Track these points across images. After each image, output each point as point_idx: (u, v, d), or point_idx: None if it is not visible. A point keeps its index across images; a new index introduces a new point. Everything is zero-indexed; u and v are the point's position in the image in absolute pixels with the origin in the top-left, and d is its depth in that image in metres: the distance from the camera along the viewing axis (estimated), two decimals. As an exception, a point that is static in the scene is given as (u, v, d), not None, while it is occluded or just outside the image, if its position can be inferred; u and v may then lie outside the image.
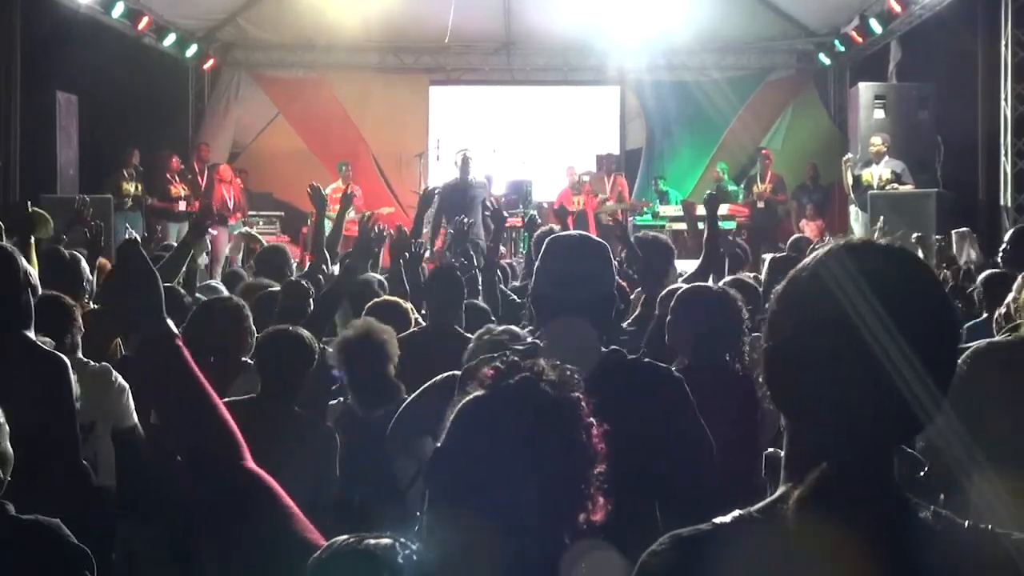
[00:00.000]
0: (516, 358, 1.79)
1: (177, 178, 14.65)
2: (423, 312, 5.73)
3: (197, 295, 6.23)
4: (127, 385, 4.40)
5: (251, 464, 1.98)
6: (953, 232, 7.41)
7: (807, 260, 1.49)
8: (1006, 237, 6.59)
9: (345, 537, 1.77)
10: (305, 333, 4.22)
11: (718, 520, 1.45)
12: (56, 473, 4.06)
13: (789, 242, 8.73)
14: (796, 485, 1.42)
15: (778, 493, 1.45)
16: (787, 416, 1.49)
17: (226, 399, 4.04)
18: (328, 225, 7.82)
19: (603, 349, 2.97)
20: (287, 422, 4.01)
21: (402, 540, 1.73)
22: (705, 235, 6.59)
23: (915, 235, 7.76)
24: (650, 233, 6.96)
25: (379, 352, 4.25)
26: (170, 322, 2.04)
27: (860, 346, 1.37)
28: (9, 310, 3.92)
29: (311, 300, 5.39)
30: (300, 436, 4.00)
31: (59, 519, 3.84)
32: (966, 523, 1.41)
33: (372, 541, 1.73)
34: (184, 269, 6.16)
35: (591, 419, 1.76)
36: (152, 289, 2.03)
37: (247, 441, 1.92)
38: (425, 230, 14.11)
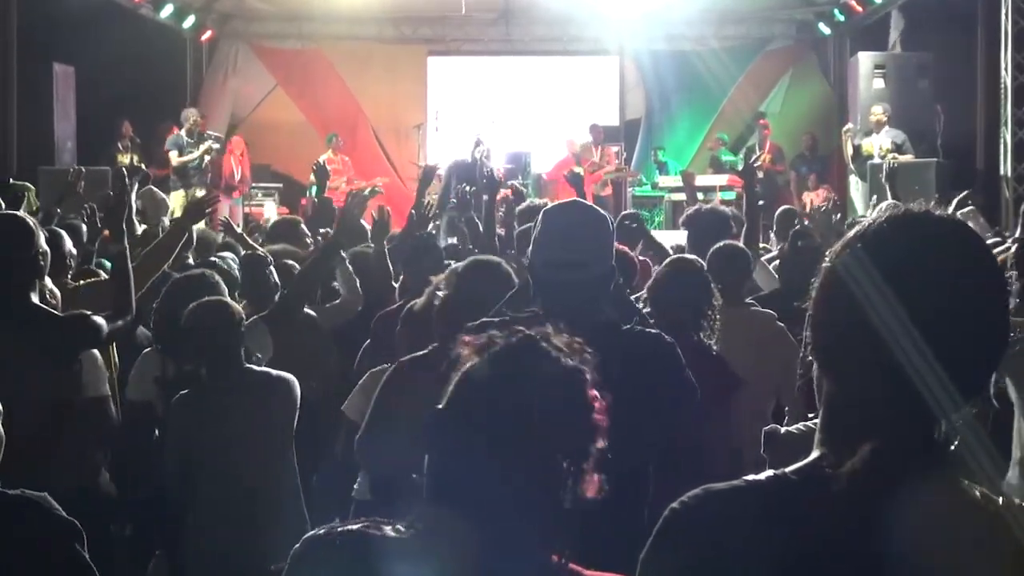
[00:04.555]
0: (519, 325, 1.76)
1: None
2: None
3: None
4: (99, 356, 4.45)
5: None
6: (958, 214, 7.36)
7: (847, 239, 1.48)
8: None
9: (321, 529, 1.76)
10: (226, 302, 4.23)
11: (751, 477, 1.45)
12: (69, 440, 4.12)
13: (776, 215, 8.66)
14: (831, 451, 1.43)
15: (813, 457, 1.46)
16: (827, 390, 1.49)
17: (183, 392, 4.10)
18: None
19: (601, 319, 2.99)
20: (239, 391, 4.05)
21: (380, 527, 1.71)
22: (745, 207, 6.68)
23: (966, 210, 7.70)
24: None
25: None
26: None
27: (889, 344, 1.38)
28: (25, 274, 4.04)
29: (271, 271, 5.38)
30: (257, 396, 4.05)
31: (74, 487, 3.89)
32: (1001, 499, 1.42)
33: (350, 528, 1.72)
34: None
35: (596, 391, 1.72)
36: None
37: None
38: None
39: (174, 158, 14.00)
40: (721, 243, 5.30)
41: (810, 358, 1.53)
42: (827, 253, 1.51)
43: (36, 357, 4.00)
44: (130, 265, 4.51)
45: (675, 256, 4.69)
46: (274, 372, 4.16)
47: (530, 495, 1.67)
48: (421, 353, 3.61)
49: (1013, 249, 4.71)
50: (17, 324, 4.04)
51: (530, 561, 1.69)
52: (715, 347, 4.23)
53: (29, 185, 5.75)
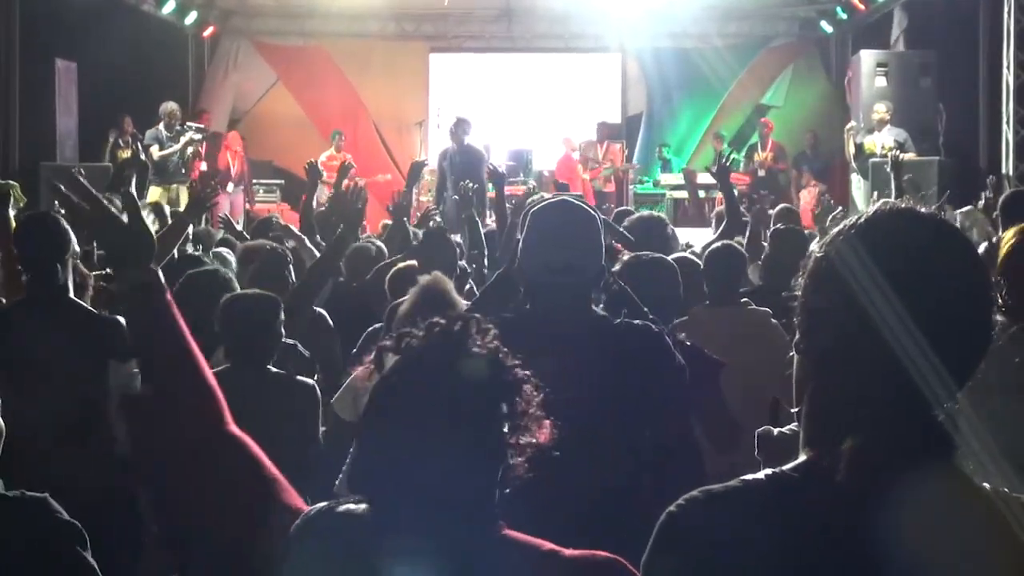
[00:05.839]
0: (436, 321, 1.78)
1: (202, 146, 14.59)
2: None
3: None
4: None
5: (233, 429, 1.95)
6: (958, 212, 7.32)
7: (834, 234, 1.49)
8: None
9: (323, 504, 1.78)
10: (265, 295, 4.16)
11: (748, 477, 1.45)
12: (96, 439, 4.12)
13: (775, 213, 8.66)
14: (826, 449, 1.43)
15: (808, 456, 1.46)
16: (815, 387, 1.50)
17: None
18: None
19: (591, 314, 2.99)
20: (263, 386, 3.96)
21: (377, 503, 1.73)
22: (724, 205, 6.69)
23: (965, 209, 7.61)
24: (642, 215, 6.90)
25: None
26: (160, 274, 2.02)
27: (883, 334, 1.39)
28: (58, 275, 4.07)
29: (290, 266, 5.37)
30: (278, 398, 3.96)
31: (99, 486, 3.90)
32: (987, 486, 1.44)
33: (350, 507, 1.73)
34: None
35: (514, 370, 1.75)
36: (137, 237, 2.01)
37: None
38: (425, 198, 14.13)
39: (154, 152, 13.67)
40: (718, 243, 5.33)
41: (792, 354, 1.53)
42: (815, 245, 1.52)
43: (70, 356, 4.01)
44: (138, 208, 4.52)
45: (640, 253, 4.68)
46: (299, 378, 4.11)
47: (466, 465, 1.69)
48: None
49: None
50: (54, 321, 4.06)
51: (479, 531, 1.71)
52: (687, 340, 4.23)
53: (13, 183, 5.73)
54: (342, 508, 1.74)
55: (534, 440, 1.73)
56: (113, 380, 4.27)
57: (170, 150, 13.86)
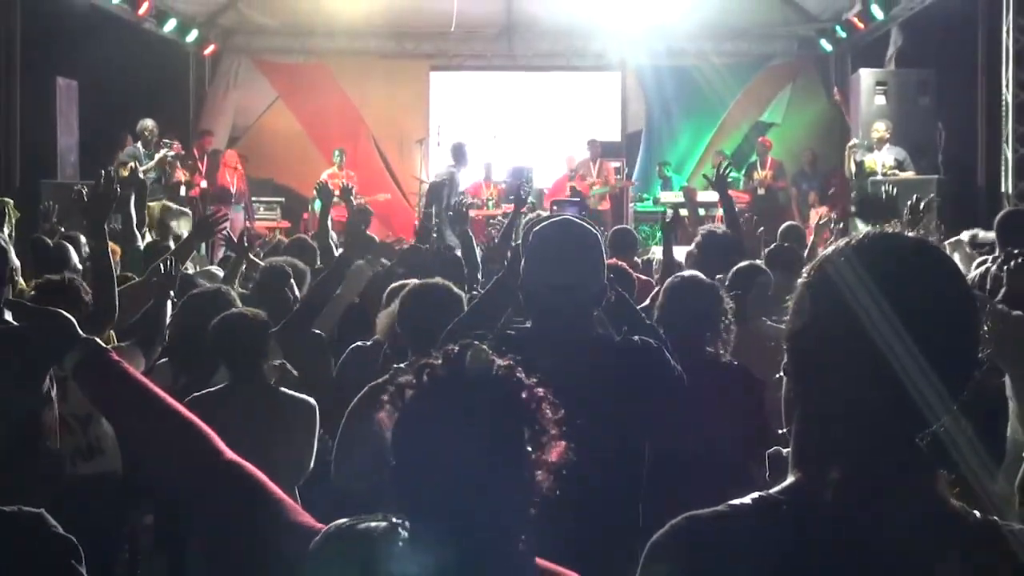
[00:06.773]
0: (452, 348, 1.76)
1: (178, 163, 14.56)
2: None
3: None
4: None
5: (230, 455, 1.94)
6: (946, 243, 7.30)
7: (827, 253, 1.51)
8: None
9: (342, 521, 1.76)
10: (255, 313, 4.18)
11: (736, 502, 1.44)
12: (36, 461, 4.09)
13: (780, 230, 8.68)
14: (817, 469, 1.43)
15: (791, 481, 1.46)
16: (802, 407, 1.50)
17: (198, 392, 4.04)
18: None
19: (591, 332, 3.00)
20: (264, 403, 4.00)
21: (399, 522, 1.72)
22: (724, 214, 6.81)
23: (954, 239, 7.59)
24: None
25: None
26: (96, 339, 2.05)
27: (872, 346, 1.39)
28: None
29: (292, 284, 5.39)
30: (281, 414, 3.99)
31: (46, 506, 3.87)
32: (977, 513, 1.44)
33: (370, 524, 1.72)
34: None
35: (535, 389, 1.74)
36: (63, 319, 2.06)
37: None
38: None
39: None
40: (745, 263, 5.46)
41: (781, 374, 1.53)
42: (805, 269, 1.53)
43: (6, 376, 3.98)
44: (111, 263, 4.49)
45: (684, 273, 4.72)
46: (299, 396, 4.12)
47: (494, 486, 1.67)
48: (384, 378, 3.60)
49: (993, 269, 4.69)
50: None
51: (510, 559, 1.69)
52: (730, 359, 4.25)
53: (7, 199, 5.73)
54: (362, 526, 1.73)
55: (550, 460, 1.71)
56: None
57: (146, 167, 13.82)
